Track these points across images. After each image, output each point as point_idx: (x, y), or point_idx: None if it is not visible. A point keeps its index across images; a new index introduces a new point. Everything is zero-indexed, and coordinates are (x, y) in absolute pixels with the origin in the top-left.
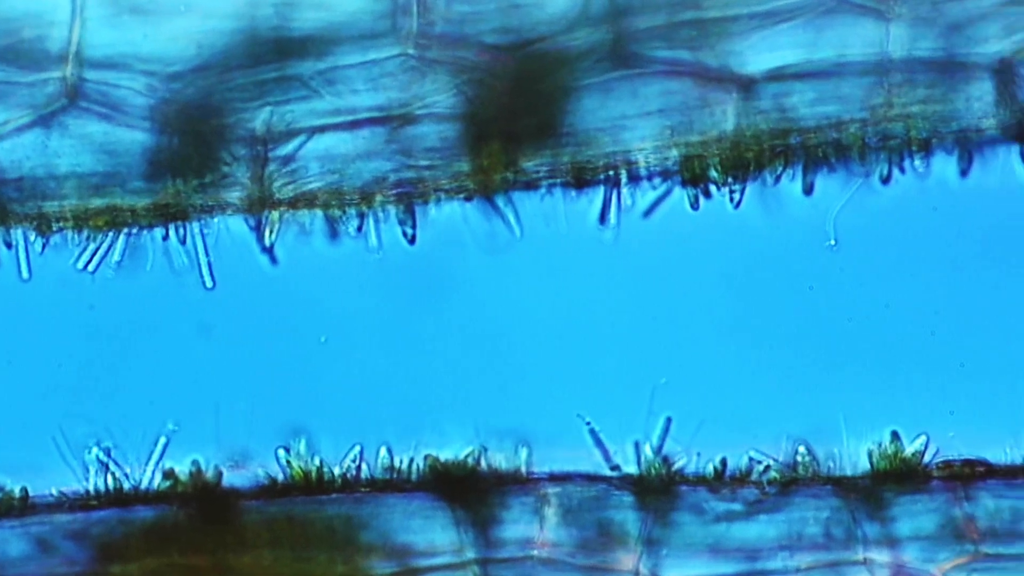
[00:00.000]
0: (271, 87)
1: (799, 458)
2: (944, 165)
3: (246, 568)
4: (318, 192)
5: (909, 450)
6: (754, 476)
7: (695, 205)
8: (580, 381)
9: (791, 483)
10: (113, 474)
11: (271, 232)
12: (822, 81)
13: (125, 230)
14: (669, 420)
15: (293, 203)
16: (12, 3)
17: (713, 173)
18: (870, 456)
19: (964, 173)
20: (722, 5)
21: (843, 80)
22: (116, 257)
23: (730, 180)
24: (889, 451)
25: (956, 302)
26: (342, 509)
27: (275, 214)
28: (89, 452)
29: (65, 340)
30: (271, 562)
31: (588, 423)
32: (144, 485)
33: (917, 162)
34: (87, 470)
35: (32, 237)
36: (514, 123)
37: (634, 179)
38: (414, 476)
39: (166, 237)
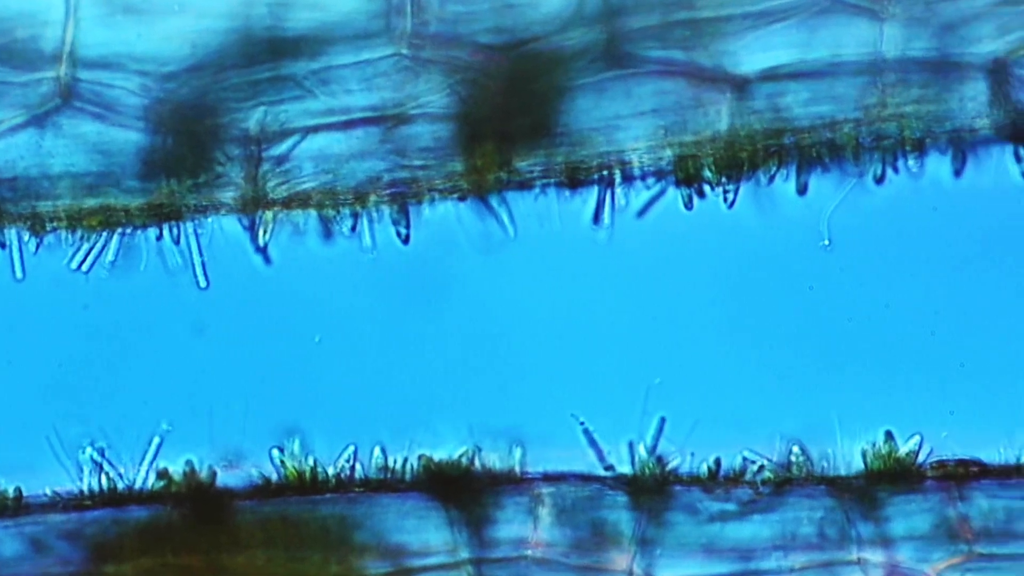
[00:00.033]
0: (265, 87)
1: (793, 458)
2: (938, 165)
3: (240, 568)
4: (312, 192)
5: (903, 450)
6: (748, 476)
7: (689, 205)
8: (574, 381)
9: (785, 483)
10: (107, 474)
11: (265, 232)
12: (816, 81)
13: (119, 230)
14: (663, 420)
15: (287, 203)
16: (6, 3)
17: (707, 173)
18: (864, 456)
19: (958, 173)
20: (716, 5)
21: (837, 80)
22: (110, 257)
23: (724, 180)
24: (883, 451)
25: (950, 302)
26: (336, 509)
27: (269, 214)
28: (83, 452)
29: (59, 340)
30: (265, 562)
31: (582, 423)
32: (138, 485)
33: (911, 162)
34: (81, 470)
35: (26, 237)
36: (508, 123)
37: (628, 179)
38: (408, 476)
39: (160, 237)
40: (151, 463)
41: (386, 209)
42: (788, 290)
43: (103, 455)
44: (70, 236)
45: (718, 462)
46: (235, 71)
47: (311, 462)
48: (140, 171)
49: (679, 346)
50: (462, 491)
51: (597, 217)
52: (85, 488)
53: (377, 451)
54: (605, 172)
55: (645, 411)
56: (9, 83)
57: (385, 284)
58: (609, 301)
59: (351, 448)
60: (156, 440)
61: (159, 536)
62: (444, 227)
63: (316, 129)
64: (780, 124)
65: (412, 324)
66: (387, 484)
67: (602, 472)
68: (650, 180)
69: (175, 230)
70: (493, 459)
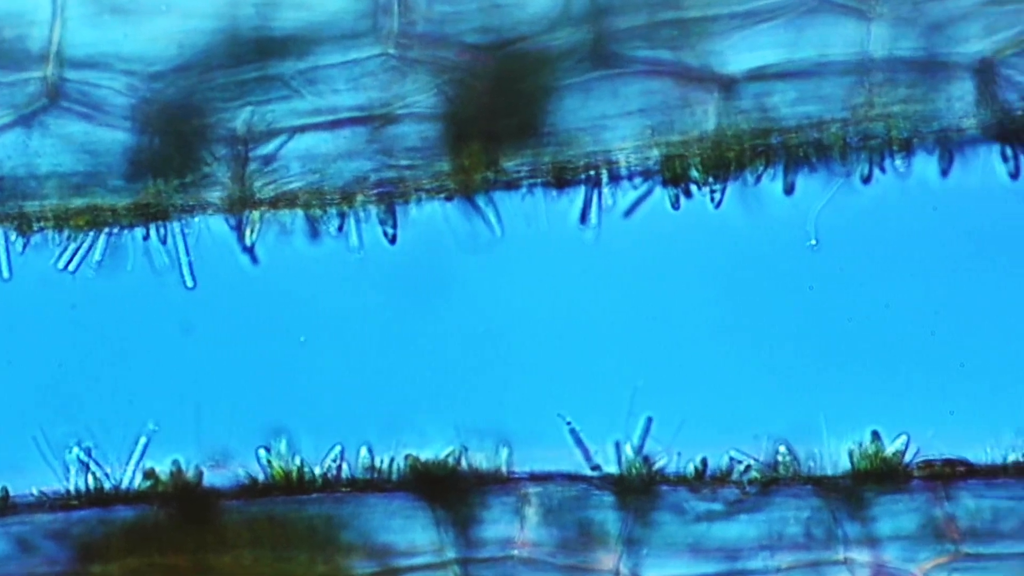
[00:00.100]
0: (252, 87)
1: (779, 458)
2: (925, 165)
3: (226, 568)
4: (299, 192)
5: (890, 450)
6: (735, 476)
7: (676, 205)
8: (561, 381)
9: (772, 483)
10: (94, 474)
11: (252, 232)
12: (803, 81)
13: (106, 230)
14: (650, 420)
15: (274, 203)
16: None
17: (694, 173)
18: (850, 456)
19: (945, 173)
20: (703, 5)
21: (824, 80)
22: (97, 257)
23: (711, 180)
24: (869, 451)
25: (938, 302)
26: (323, 509)
27: (256, 214)
28: (70, 452)
29: (46, 340)
30: (251, 562)
31: (569, 423)
32: (125, 485)
33: (898, 162)
34: (68, 470)
35: (13, 237)
36: (495, 123)
37: (615, 179)
38: (395, 476)
39: (147, 237)
40: (138, 463)
41: (373, 209)
42: (775, 290)
43: (90, 455)
44: (57, 236)
45: (705, 462)
46: (222, 71)
47: (298, 462)
48: (127, 171)
49: (666, 346)
50: (449, 491)
51: (584, 217)
52: (72, 488)
53: (364, 451)
54: (592, 172)
55: (631, 411)
56: None
57: (372, 284)
58: (596, 301)
59: (338, 448)
60: (143, 440)
61: (146, 536)
62: (431, 227)
63: (303, 129)
64: (767, 124)
65: (399, 324)
66: (374, 484)
67: (589, 472)
68: (637, 180)
69: (162, 230)
70: (480, 459)
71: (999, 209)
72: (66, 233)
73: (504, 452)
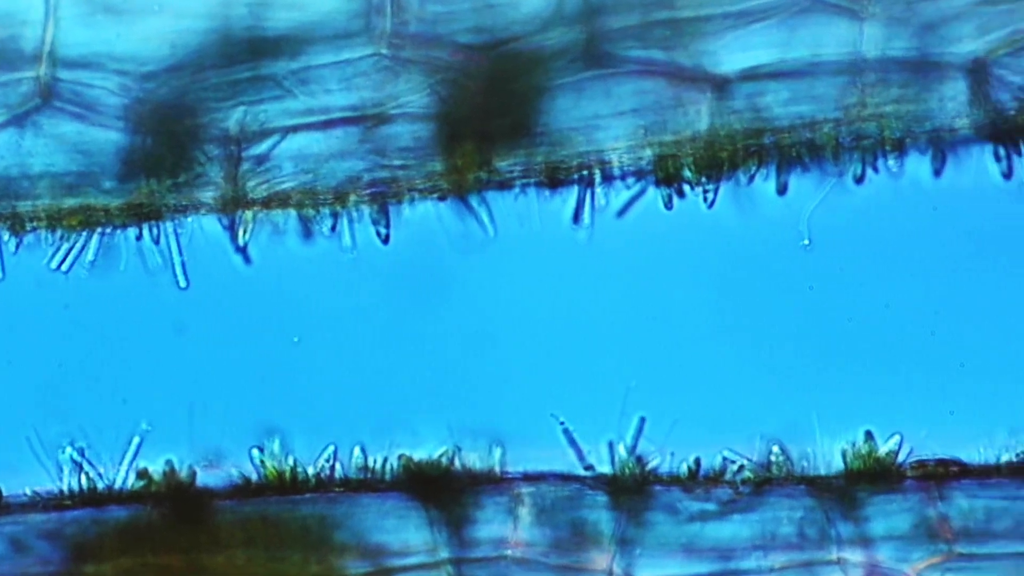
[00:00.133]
0: (245, 87)
1: (773, 458)
2: (918, 165)
3: (220, 568)
4: (291, 192)
5: (883, 450)
6: (728, 476)
7: (669, 205)
8: (554, 381)
9: (765, 483)
10: (87, 474)
11: (245, 232)
12: (796, 81)
13: (99, 230)
14: (643, 420)
15: (267, 203)
16: None
17: (687, 173)
18: (844, 456)
19: (938, 173)
20: (696, 5)
21: (817, 80)
22: (90, 257)
23: (704, 180)
24: (863, 451)
25: (930, 301)
26: (316, 509)
27: (249, 214)
28: (63, 452)
29: (39, 340)
30: (245, 562)
31: (562, 423)
32: (118, 485)
33: (891, 162)
34: (61, 470)
35: (5, 237)
36: (488, 123)
37: (608, 179)
38: (388, 476)
39: (140, 237)
40: (131, 463)
41: (366, 209)
42: (769, 290)
43: (83, 455)
44: (50, 236)
45: (698, 462)
46: (215, 71)
47: (291, 462)
48: (120, 171)
49: (659, 346)
50: (442, 491)
51: (577, 217)
52: (65, 488)
53: (357, 451)
54: (585, 172)
55: (625, 411)
56: None
57: (365, 284)
58: (589, 301)
59: (331, 448)
60: (136, 440)
61: (139, 536)
62: (424, 227)
63: (296, 129)
64: (760, 124)
65: (392, 324)
66: (367, 484)
67: (582, 472)
68: (630, 180)
69: (155, 230)
70: (473, 459)
71: (992, 209)
72: (59, 233)
73: (497, 452)
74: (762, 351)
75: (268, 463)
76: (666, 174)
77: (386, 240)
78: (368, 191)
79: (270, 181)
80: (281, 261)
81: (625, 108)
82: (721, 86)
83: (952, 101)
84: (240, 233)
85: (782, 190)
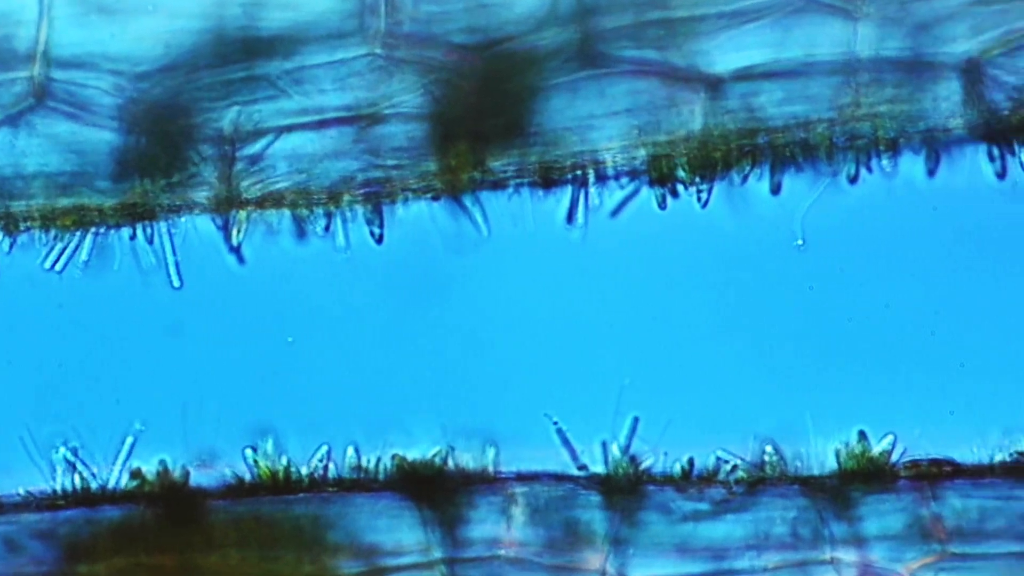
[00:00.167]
0: (238, 87)
1: (766, 457)
2: (912, 165)
3: (213, 567)
4: (285, 192)
5: (876, 449)
6: (721, 476)
7: (663, 205)
8: (547, 380)
9: (758, 483)
10: (80, 474)
11: (238, 231)
12: (790, 81)
13: (92, 229)
14: (636, 419)
15: (260, 202)
16: None
17: (681, 173)
18: (837, 455)
19: (931, 173)
20: (690, 5)
21: (811, 80)
22: (84, 256)
23: (698, 180)
24: (856, 450)
25: (923, 301)
26: (309, 509)
27: (242, 213)
28: (56, 451)
29: (32, 340)
30: (238, 562)
31: (555, 423)
32: (111, 485)
33: (884, 162)
34: (54, 469)
35: (0, 237)
36: (482, 123)
37: (601, 179)
38: (381, 476)
39: (133, 237)
40: (124, 463)
41: (360, 209)
42: (762, 290)
43: (76, 455)
44: (44, 236)
45: (691, 462)
46: (208, 71)
47: (284, 462)
48: (114, 171)
49: (652, 346)
50: (435, 491)
51: (571, 217)
52: (58, 488)
53: (350, 451)
54: (579, 172)
55: (618, 411)
56: None
57: (359, 284)
58: (582, 301)
59: (324, 448)
60: (129, 440)
61: (132, 536)
62: (418, 227)
63: (290, 129)
64: (754, 124)
65: (386, 324)
66: (360, 484)
67: (575, 472)
68: (624, 180)
69: (149, 230)
70: (466, 459)
71: (986, 209)
72: (53, 233)
73: (491, 452)
74: (756, 351)
75: (261, 463)
76: (660, 174)
77: (380, 240)
78: (362, 191)
79: (264, 181)
80: (275, 261)
81: (619, 108)
82: (715, 86)
83: (946, 101)
84: (234, 233)
85: (776, 190)
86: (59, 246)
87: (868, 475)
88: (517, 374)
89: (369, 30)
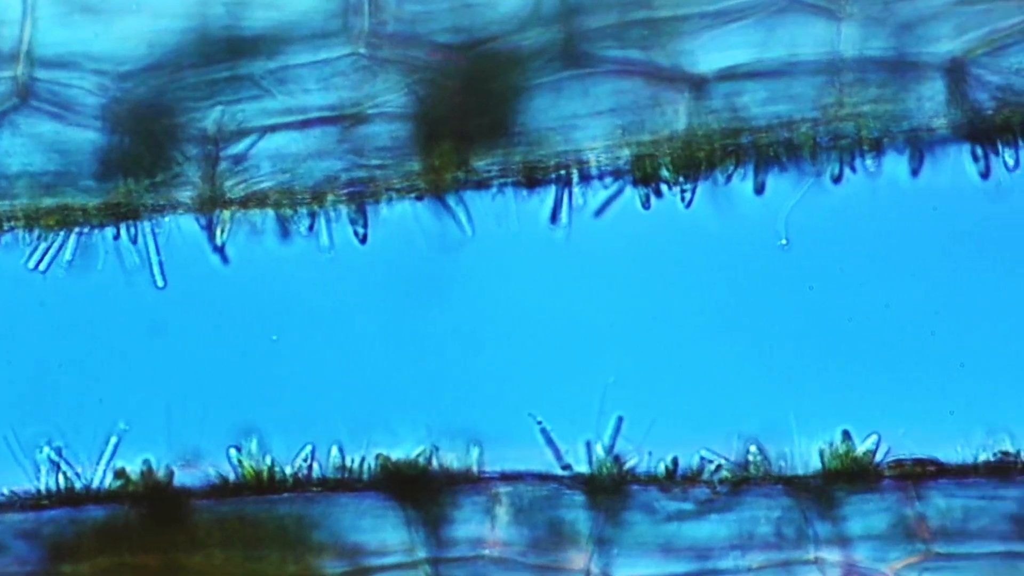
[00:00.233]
0: (222, 86)
1: (750, 457)
2: (895, 165)
3: (197, 567)
4: (269, 191)
5: (860, 449)
6: (705, 475)
7: (646, 204)
8: (531, 380)
9: (742, 482)
10: (64, 473)
11: (222, 231)
12: (773, 80)
13: (76, 229)
14: (620, 419)
15: (244, 202)
16: None
17: (664, 172)
18: (821, 455)
19: (915, 172)
20: (673, 5)
21: (794, 79)
22: (67, 256)
23: (681, 179)
24: (840, 450)
25: (907, 301)
26: (293, 508)
27: (226, 213)
28: (40, 451)
29: (16, 339)
30: (222, 561)
31: (539, 422)
32: (95, 484)
33: (868, 161)
34: (38, 469)
35: None
36: (466, 122)
37: (585, 178)
38: (365, 475)
39: (117, 236)
40: (108, 462)
41: (344, 208)
42: (746, 290)
43: (60, 454)
44: (27, 235)
45: (675, 461)
46: (192, 70)
47: (268, 461)
48: (97, 170)
49: (636, 345)
50: (419, 490)
51: (555, 216)
52: (42, 487)
53: (335, 450)
54: (563, 171)
55: (602, 410)
56: None
57: (343, 284)
58: (566, 301)
59: (309, 447)
60: (113, 439)
61: (116, 536)
62: (402, 227)
63: (274, 128)
64: (738, 123)
65: (370, 324)
66: (344, 483)
67: (559, 471)
68: (608, 179)
69: (132, 229)
70: (450, 458)
71: (969, 209)
72: (36, 233)
73: (475, 451)
74: (740, 351)
75: (246, 463)
76: (644, 174)
77: (364, 240)
78: (346, 191)
79: (248, 181)
80: (259, 261)
81: (603, 108)
82: (699, 86)
83: (930, 101)
84: (218, 233)
85: (760, 190)
86: (43, 246)
87: (852, 475)
88: (501, 374)
89: (353, 30)
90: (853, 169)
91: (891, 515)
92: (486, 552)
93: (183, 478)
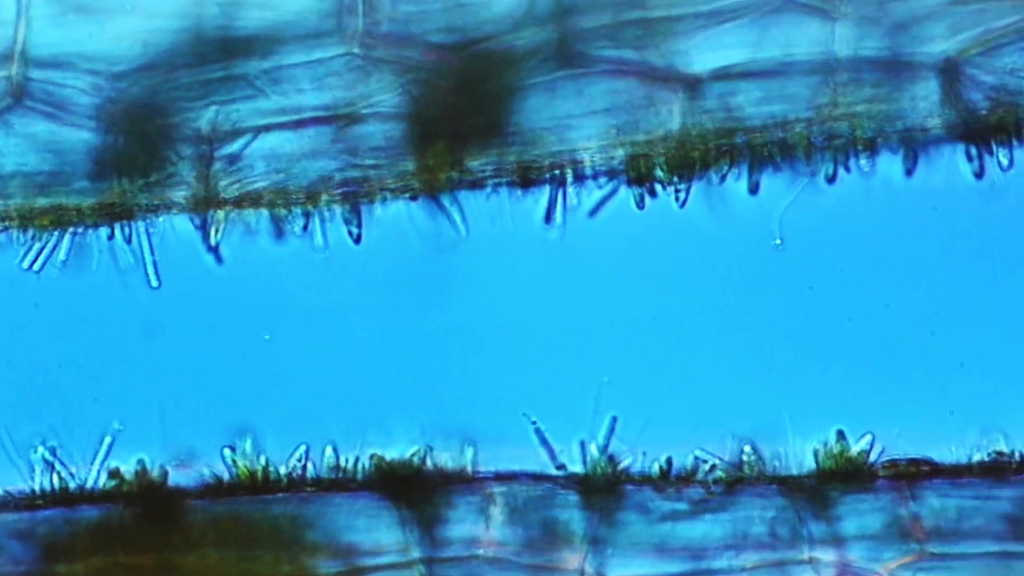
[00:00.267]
0: (216, 86)
1: (745, 457)
2: (890, 164)
3: (192, 567)
4: (263, 191)
5: (854, 449)
6: (700, 475)
7: (641, 204)
8: (526, 380)
9: (737, 482)
10: (58, 473)
11: (216, 231)
12: (768, 80)
13: (71, 229)
14: (615, 419)
15: (238, 202)
16: None
17: (659, 172)
18: (816, 455)
19: (909, 172)
20: (667, 4)
21: (789, 79)
22: (62, 256)
23: (676, 179)
24: (835, 450)
25: (901, 300)
26: (288, 508)
27: (220, 213)
28: (34, 451)
29: (10, 339)
30: (216, 561)
31: (534, 422)
32: (90, 484)
33: (862, 161)
34: (32, 469)
35: None
36: (460, 122)
37: (580, 178)
38: (360, 475)
39: (112, 236)
40: (103, 462)
41: (338, 208)
42: (740, 289)
43: (54, 454)
44: (21, 235)
45: (670, 461)
46: (186, 70)
47: (263, 461)
48: (92, 170)
49: (631, 345)
50: (414, 490)
51: (549, 216)
52: (36, 487)
53: (329, 450)
54: (557, 171)
55: (597, 410)
56: None
57: (337, 284)
58: (561, 300)
59: (303, 447)
60: (108, 439)
61: (111, 535)
62: (396, 227)
63: (268, 128)
64: (732, 123)
65: (364, 324)
66: (339, 483)
67: (554, 471)
68: (602, 179)
69: (127, 229)
70: (445, 458)
71: (963, 209)
72: (31, 233)
73: (469, 451)
74: (734, 351)
75: (240, 462)
76: (638, 174)
77: (358, 240)
78: (340, 191)
79: (242, 180)
80: (253, 261)
81: (597, 108)
82: (693, 86)
83: (924, 101)
84: (212, 233)
85: (754, 190)
86: (37, 246)
87: (846, 475)
88: (495, 373)
89: (347, 30)
90: (847, 169)
91: (885, 515)
92: (480, 552)
93: (177, 478)
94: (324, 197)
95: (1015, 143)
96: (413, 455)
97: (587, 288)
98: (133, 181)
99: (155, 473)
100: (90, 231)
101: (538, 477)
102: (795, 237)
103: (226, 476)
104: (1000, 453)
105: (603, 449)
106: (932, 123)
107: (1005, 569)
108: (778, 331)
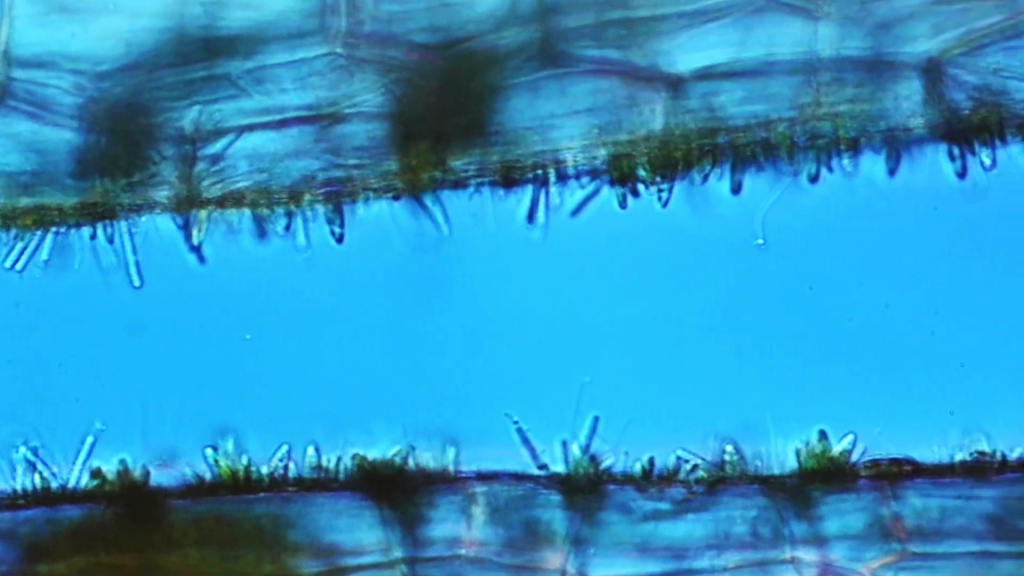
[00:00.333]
0: (199, 86)
1: (727, 457)
2: (872, 164)
3: (173, 567)
4: (246, 191)
5: (836, 449)
6: (682, 475)
7: (623, 204)
8: (508, 380)
9: (719, 482)
10: (40, 473)
11: (199, 231)
12: (750, 80)
13: (53, 229)
14: (597, 419)
15: (221, 202)
16: None
17: (641, 172)
18: (797, 455)
19: (892, 172)
20: (651, 4)
21: (771, 79)
22: (44, 256)
23: (658, 179)
24: (816, 450)
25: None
26: (270, 508)
27: (203, 213)
28: (16, 451)
29: None
30: (198, 561)
31: (516, 422)
32: (71, 484)
33: (845, 161)
34: (14, 469)
35: None
36: (443, 122)
37: (562, 178)
38: (341, 475)
39: (94, 236)
40: (84, 462)
41: (320, 208)
42: (723, 289)
43: (36, 454)
44: (4, 235)
45: (652, 461)
46: (169, 70)
47: (245, 461)
48: (74, 170)
49: (613, 344)
50: (395, 490)
51: (531, 216)
52: (18, 487)
53: (311, 450)
54: (540, 171)
55: (579, 410)
56: None
57: (319, 283)
58: (543, 300)
59: (285, 447)
60: (89, 439)
61: (92, 535)
62: (379, 226)
63: (251, 128)
64: (715, 123)
65: (346, 323)
66: (321, 483)
67: (536, 471)
68: (584, 179)
69: (109, 229)
70: (427, 458)
71: (945, 209)
72: (13, 232)
73: (451, 451)
74: (716, 351)
75: (222, 462)
76: (621, 173)
77: (341, 239)
78: (323, 190)
79: (225, 180)
80: (235, 260)
81: (580, 107)
82: (676, 85)
83: (907, 100)
84: (194, 232)
85: (737, 189)
86: (19, 245)
87: (828, 474)
88: (477, 373)
89: (330, 29)
90: (830, 169)
91: (867, 515)
92: (462, 552)
93: (159, 478)
94: (307, 197)
95: (997, 143)
96: (395, 455)
97: (569, 288)
98: (116, 181)
99: (137, 473)
100: (72, 231)
101: (520, 477)
102: (778, 237)
103: (208, 476)
104: (982, 453)
105: (585, 449)
106: (915, 123)
107: (987, 569)
108: (760, 331)
